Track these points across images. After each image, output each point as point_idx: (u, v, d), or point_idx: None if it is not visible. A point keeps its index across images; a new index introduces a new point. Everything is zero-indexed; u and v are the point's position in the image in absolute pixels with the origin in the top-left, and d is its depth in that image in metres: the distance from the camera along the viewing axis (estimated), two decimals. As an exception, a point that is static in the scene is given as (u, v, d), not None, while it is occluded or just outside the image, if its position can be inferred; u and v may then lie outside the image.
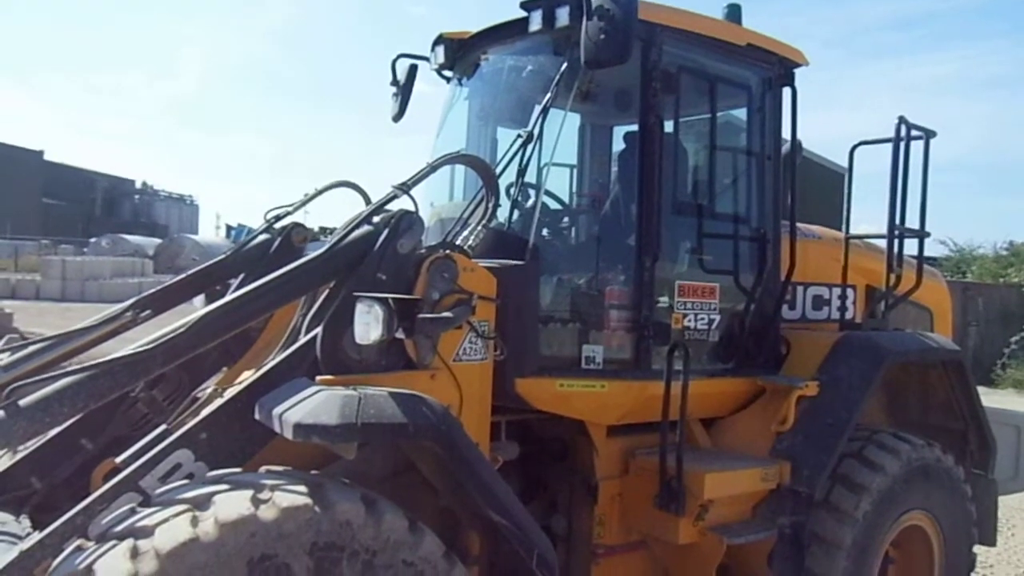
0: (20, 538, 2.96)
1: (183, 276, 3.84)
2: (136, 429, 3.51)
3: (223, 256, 3.95)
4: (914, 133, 4.62)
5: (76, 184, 59.19)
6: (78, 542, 2.42)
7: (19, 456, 3.50)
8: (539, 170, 3.92)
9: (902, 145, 4.58)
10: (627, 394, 3.82)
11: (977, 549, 4.86)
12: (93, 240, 39.80)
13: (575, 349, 3.77)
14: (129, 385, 2.94)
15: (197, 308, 3.70)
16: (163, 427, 3.08)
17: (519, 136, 3.65)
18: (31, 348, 3.42)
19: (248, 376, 3.06)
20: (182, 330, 2.81)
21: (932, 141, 4.70)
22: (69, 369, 2.83)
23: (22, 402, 2.71)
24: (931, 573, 4.57)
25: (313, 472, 2.70)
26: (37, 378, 2.84)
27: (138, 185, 68.20)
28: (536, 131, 3.65)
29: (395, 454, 3.12)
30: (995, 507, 5.02)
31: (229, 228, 49.09)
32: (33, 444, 3.42)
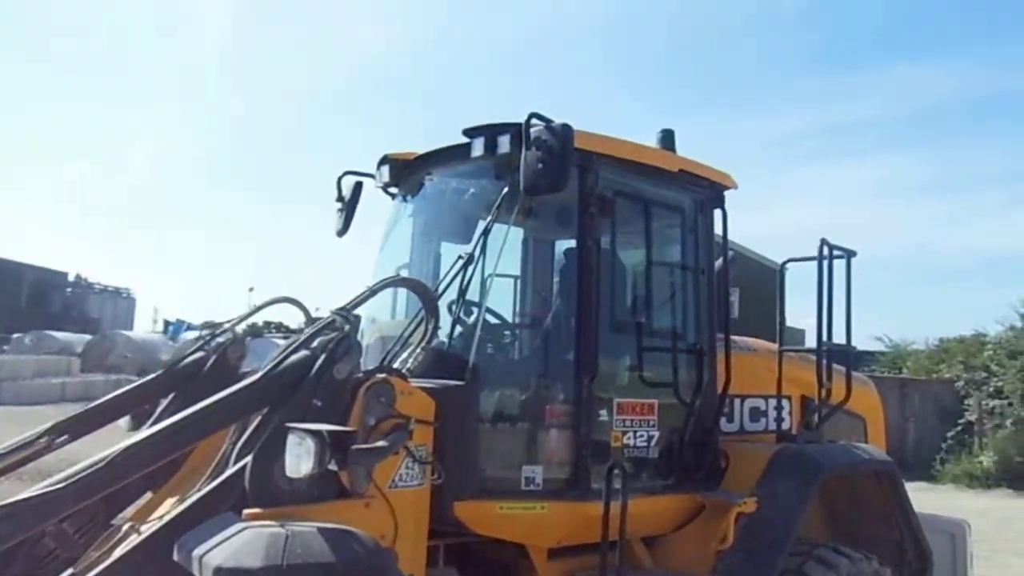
0: None
1: (108, 398, 3.71)
2: (41, 568, 3.28)
3: (153, 376, 3.84)
4: (836, 252, 4.83)
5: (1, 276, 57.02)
6: None
7: None
8: (481, 287, 3.97)
9: (825, 263, 4.78)
10: (567, 515, 3.78)
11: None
12: (16, 336, 38.09)
13: (515, 470, 3.74)
14: (35, 529, 2.76)
15: (122, 429, 3.58)
16: (69, 572, 2.89)
17: (460, 257, 3.71)
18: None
19: (170, 507, 2.94)
20: (100, 465, 2.69)
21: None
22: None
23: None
24: None
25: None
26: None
27: (71, 278, 66.21)
28: (477, 252, 3.73)
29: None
30: None
31: (167, 323, 47.53)
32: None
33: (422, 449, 3.24)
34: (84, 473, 2.69)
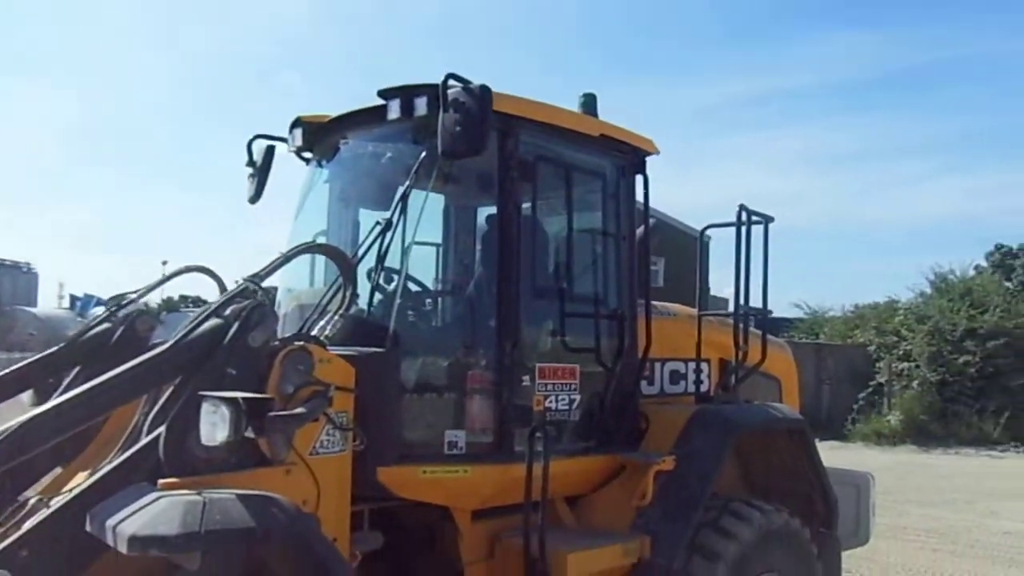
0: None
1: (8, 371, 3.57)
2: None
3: (57, 347, 3.71)
4: (754, 218, 5.00)
5: None
6: None
7: None
8: (401, 254, 3.96)
9: (743, 229, 4.95)
10: (490, 478, 3.85)
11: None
12: (-94, 313, 35.91)
13: (438, 435, 3.79)
14: None
15: (25, 405, 3.46)
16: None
17: (377, 223, 3.70)
18: None
19: (82, 481, 2.87)
20: (1, 438, 2.61)
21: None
22: None
23: None
24: None
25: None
26: None
27: (-39, 251, 62.50)
28: (395, 218, 3.72)
29: (248, 557, 2.99)
30: (839, 561, 5.35)
31: (74, 299, 45.33)
32: None
33: (343, 416, 3.25)
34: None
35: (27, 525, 2.62)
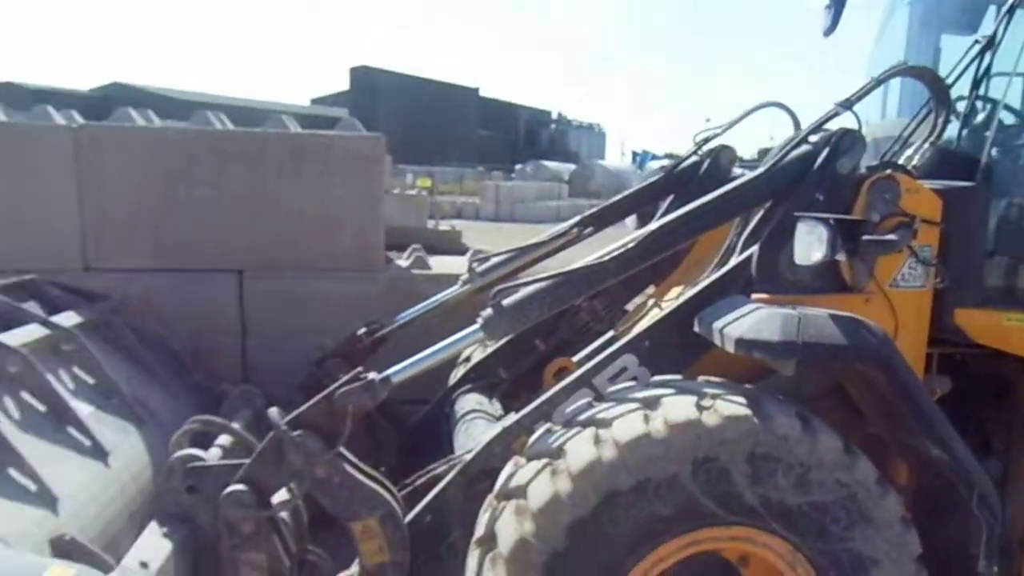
0: (496, 417, 3.46)
1: (617, 198, 4.07)
2: (579, 334, 3.86)
3: (654, 179, 4.09)
4: None
5: (503, 117, 66.55)
6: (547, 426, 2.70)
7: (489, 350, 4.09)
8: (996, 81, 3.33)
9: None
10: (1089, 335, 3.17)
11: None
12: (519, 167, 44.08)
13: None
14: (587, 292, 3.17)
15: (629, 228, 3.91)
16: (610, 334, 3.33)
17: (976, 42, 3.14)
18: (496, 259, 3.96)
19: (680, 291, 3.16)
20: (631, 245, 2.98)
21: None
22: (538, 276, 3.10)
23: (505, 302, 3.06)
24: None
25: (748, 385, 2.73)
26: (514, 283, 3.19)
27: (554, 116, 73.82)
28: (999, 34, 3.10)
29: (825, 376, 3.00)
30: None
31: (634, 154, 50.70)
32: (500, 341, 3.94)
33: (926, 249, 2.96)
34: (620, 251, 3.01)
35: (646, 322, 3.00)
